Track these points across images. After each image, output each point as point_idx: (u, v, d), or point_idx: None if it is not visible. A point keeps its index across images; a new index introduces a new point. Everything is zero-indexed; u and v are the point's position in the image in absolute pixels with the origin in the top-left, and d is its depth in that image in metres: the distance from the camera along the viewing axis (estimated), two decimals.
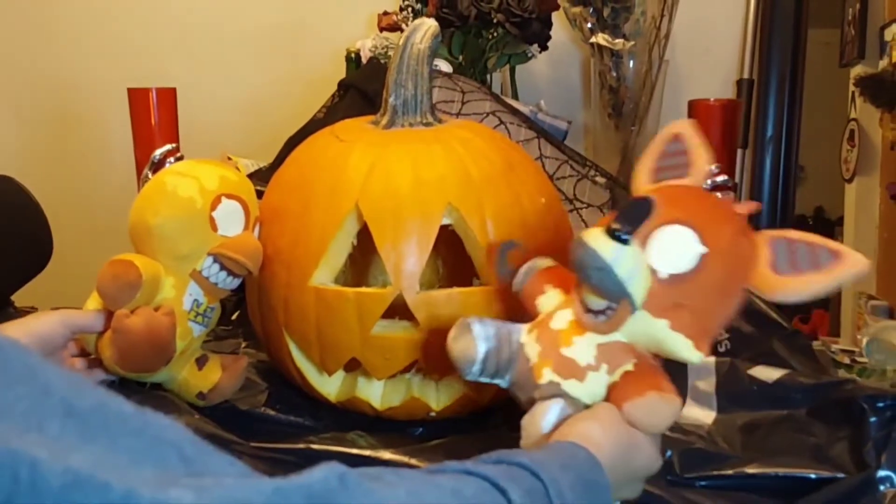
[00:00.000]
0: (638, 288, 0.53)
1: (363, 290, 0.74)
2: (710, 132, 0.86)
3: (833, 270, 0.53)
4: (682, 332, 0.53)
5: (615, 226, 0.52)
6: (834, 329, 1.63)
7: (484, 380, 0.59)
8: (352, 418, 0.79)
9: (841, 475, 0.64)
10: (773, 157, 1.70)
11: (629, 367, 0.55)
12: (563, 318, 0.58)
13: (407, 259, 0.73)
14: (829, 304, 1.70)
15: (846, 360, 1.12)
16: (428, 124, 0.81)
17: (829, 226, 2.16)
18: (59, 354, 0.71)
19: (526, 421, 0.57)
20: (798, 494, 0.63)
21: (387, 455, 0.67)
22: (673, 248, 0.53)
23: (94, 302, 0.72)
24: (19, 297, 1.56)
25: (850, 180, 1.57)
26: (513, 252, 0.68)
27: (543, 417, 0.56)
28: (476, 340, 0.58)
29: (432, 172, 0.75)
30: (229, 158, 1.50)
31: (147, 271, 0.69)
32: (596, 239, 0.52)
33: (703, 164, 0.60)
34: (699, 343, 0.53)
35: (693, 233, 0.53)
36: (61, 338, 0.69)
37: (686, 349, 0.53)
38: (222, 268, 0.73)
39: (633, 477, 0.55)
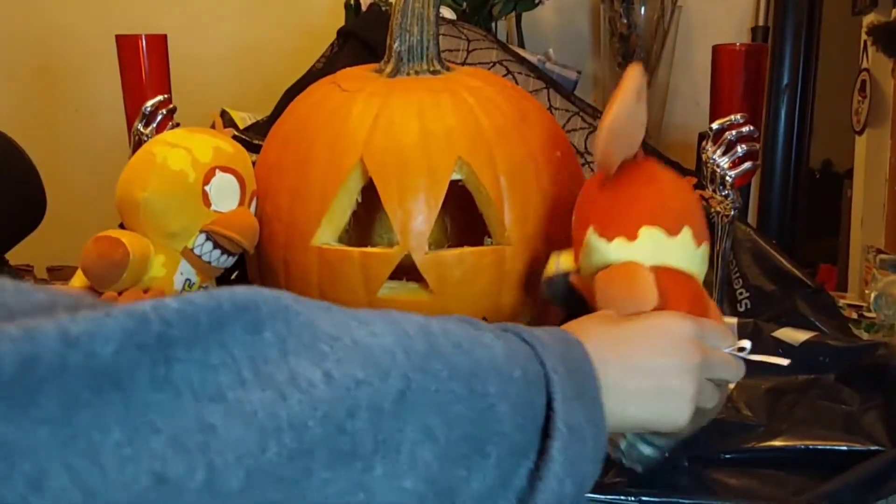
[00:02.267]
0: None
1: (369, 249, 0.70)
2: (734, 79, 0.81)
3: None
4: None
5: None
6: (842, 284, 1.60)
7: None
8: None
9: (874, 447, 0.61)
10: (789, 106, 1.65)
11: None
12: None
13: (415, 217, 0.68)
14: (836, 259, 1.68)
15: (854, 316, 1.09)
16: (435, 72, 0.76)
17: (836, 179, 2.12)
18: None
19: None
20: (828, 469, 0.60)
21: None
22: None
23: (79, 279, 0.69)
24: (13, 255, 1.52)
25: (860, 132, 1.52)
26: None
27: None
28: None
29: (441, 124, 0.70)
30: (225, 111, 1.45)
31: (135, 249, 0.65)
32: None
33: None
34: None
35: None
36: None
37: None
38: (216, 245, 0.70)
39: (637, 356, 0.49)
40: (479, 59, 1.24)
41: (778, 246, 0.92)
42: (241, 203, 0.71)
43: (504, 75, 1.22)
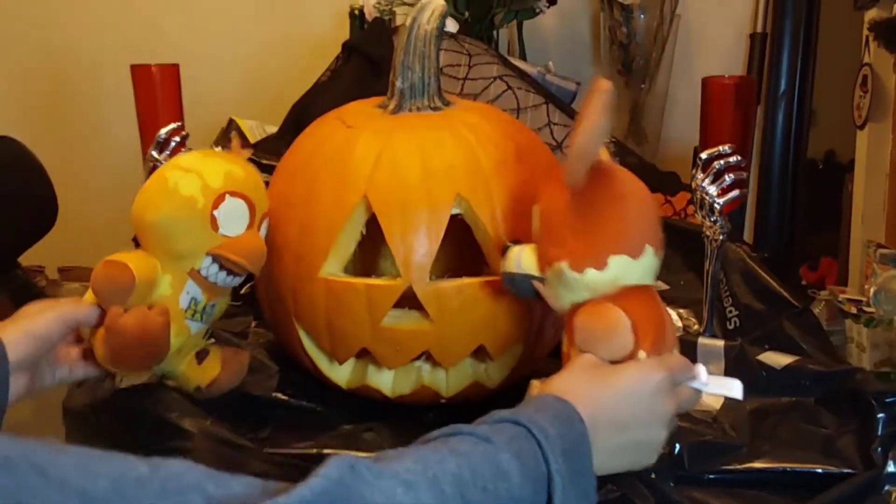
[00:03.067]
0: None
1: (373, 281, 0.74)
2: (723, 111, 0.84)
3: None
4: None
5: None
6: (842, 278, 1.62)
7: None
8: (362, 404, 0.80)
9: (848, 471, 0.65)
10: (786, 112, 1.68)
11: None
12: None
13: (417, 251, 0.72)
14: (837, 253, 1.70)
15: (853, 311, 1.11)
16: (436, 108, 0.80)
17: (839, 170, 2.13)
18: (57, 349, 0.70)
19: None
20: (806, 490, 0.64)
21: None
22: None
23: (90, 296, 0.71)
24: (25, 257, 1.57)
25: (861, 126, 1.54)
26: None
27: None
28: None
29: (441, 162, 0.73)
30: (232, 119, 1.49)
31: (141, 273, 0.67)
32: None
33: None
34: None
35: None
36: (58, 334, 0.68)
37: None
38: (221, 267, 0.72)
39: (622, 414, 0.56)
40: (480, 74, 1.27)
41: (767, 267, 0.96)
42: (250, 226, 0.72)
43: (504, 91, 1.25)
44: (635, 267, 0.62)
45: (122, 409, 0.77)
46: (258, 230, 0.73)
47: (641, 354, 0.59)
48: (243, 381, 0.81)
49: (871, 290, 1.11)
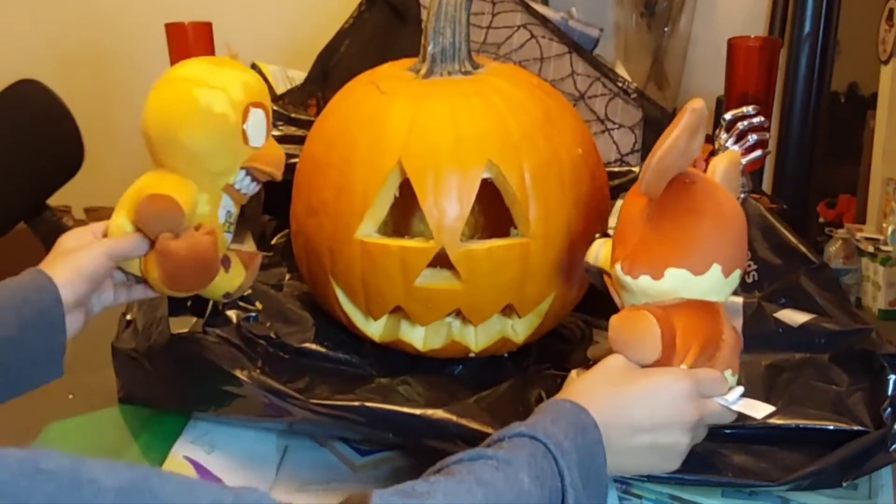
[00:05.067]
0: None
1: (406, 243, 0.77)
2: (748, 72, 0.85)
3: None
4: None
5: None
6: (860, 215, 1.63)
7: None
8: (394, 356, 0.84)
9: (859, 428, 0.69)
10: (809, 54, 1.67)
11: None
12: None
13: (448, 215, 0.75)
14: (856, 189, 1.70)
15: (870, 249, 1.13)
16: (467, 72, 0.81)
17: (862, 103, 2.10)
18: (105, 284, 0.72)
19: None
20: (818, 446, 0.68)
21: (440, 414, 0.71)
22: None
23: (121, 218, 0.71)
24: (52, 198, 1.60)
25: (886, 62, 1.52)
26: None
27: None
28: None
29: (472, 129, 0.76)
30: (254, 64, 1.49)
31: (186, 202, 0.69)
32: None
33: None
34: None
35: None
36: (106, 270, 0.69)
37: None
38: (253, 179, 0.74)
39: (638, 417, 0.58)
40: (503, 23, 1.27)
41: (786, 216, 0.98)
42: (267, 134, 0.73)
43: (527, 40, 1.26)
44: (696, 283, 0.61)
45: (173, 354, 0.81)
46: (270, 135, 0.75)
47: (682, 367, 0.61)
48: (283, 331, 0.85)
49: (889, 229, 1.13)
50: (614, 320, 0.63)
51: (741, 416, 0.70)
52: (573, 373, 0.67)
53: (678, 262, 0.61)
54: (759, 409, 0.62)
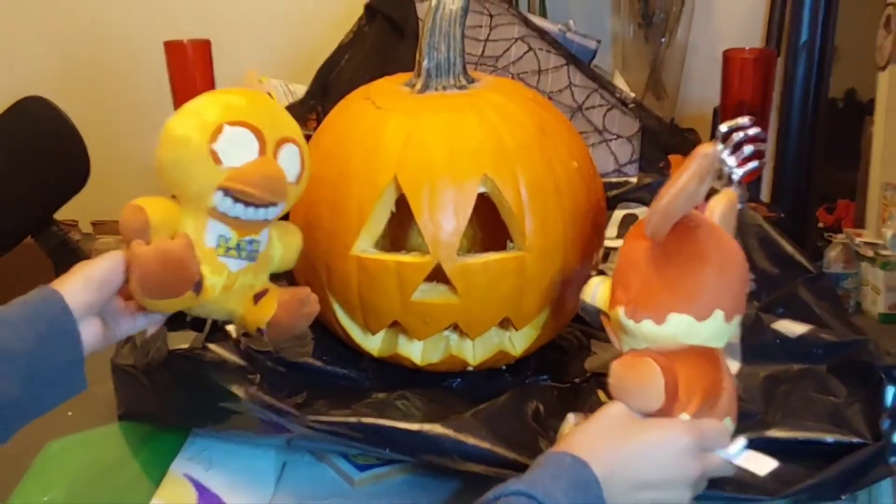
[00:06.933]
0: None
1: (403, 258, 0.77)
2: (744, 83, 0.86)
3: None
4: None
5: None
6: (859, 220, 1.63)
7: None
8: (393, 371, 0.84)
9: (857, 440, 0.68)
10: (807, 62, 1.67)
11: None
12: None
13: (444, 229, 0.75)
14: (855, 194, 1.70)
15: (869, 254, 1.13)
16: (462, 87, 0.82)
17: (860, 110, 2.10)
18: (117, 296, 0.71)
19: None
20: (817, 458, 0.68)
21: (438, 430, 0.71)
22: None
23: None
24: (59, 212, 1.61)
25: (883, 68, 1.52)
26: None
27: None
28: None
29: (467, 144, 0.76)
30: (256, 77, 1.50)
31: (155, 214, 0.68)
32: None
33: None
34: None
35: None
36: (116, 277, 0.69)
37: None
38: (236, 200, 0.69)
39: (641, 474, 0.57)
40: (501, 36, 1.28)
41: (784, 230, 0.98)
42: (261, 153, 0.69)
43: (525, 52, 1.26)
44: (699, 329, 0.61)
45: (172, 370, 0.81)
46: (274, 156, 0.70)
47: (684, 417, 0.60)
48: (281, 346, 0.84)
49: (888, 234, 1.13)
50: (616, 366, 0.61)
51: (739, 425, 0.70)
52: (570, 417, 0.67)
53: (682, 308, 0.60)
54: (761, 465, 0.62)
